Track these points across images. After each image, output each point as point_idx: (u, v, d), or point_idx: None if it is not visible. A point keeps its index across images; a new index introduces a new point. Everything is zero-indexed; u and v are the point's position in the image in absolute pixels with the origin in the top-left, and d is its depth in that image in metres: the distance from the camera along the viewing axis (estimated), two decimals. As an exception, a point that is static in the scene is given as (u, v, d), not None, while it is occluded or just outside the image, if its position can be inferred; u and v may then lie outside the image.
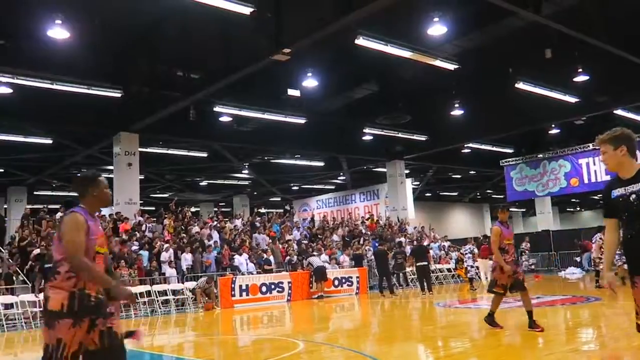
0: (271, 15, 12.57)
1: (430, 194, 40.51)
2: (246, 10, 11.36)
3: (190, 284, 15.97)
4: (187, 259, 16.64)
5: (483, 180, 36.14)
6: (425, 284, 17.18)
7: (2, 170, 24.98)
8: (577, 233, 26.34)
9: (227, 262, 17.51)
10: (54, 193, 30.06)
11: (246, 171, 29.54)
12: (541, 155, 25.57)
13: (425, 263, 17.57)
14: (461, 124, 22.25)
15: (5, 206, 26.33)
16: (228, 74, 14.81)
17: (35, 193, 29.25)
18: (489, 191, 40.76)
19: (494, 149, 27.01)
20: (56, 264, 3.47)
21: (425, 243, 22.30)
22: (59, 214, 17.54)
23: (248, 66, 14.22)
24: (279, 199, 37.82)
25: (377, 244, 21.30)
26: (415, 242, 19.98)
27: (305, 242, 21.27)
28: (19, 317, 12.67)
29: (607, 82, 18.46)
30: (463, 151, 27.82)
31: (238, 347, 9.48)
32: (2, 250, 14.41)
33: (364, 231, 24.42)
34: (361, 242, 22.12)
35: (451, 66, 15.47)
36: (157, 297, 14.92)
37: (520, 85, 17.39)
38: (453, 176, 35.51)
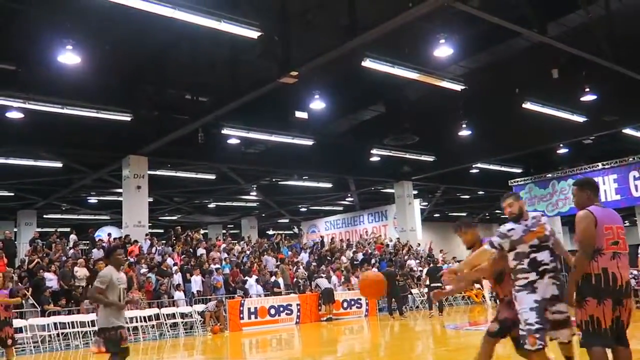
0: (278, 38, 12.69)
1: (438, 215, 40.33)
2: (254, 34, 11.47)
3: (199, 307, 15.90)
4: (196, 281, 16.60)
5: (492, 200, 35.90)
6: (437, 305, 17.10)
7: (12, 194, 25.14)
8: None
9: (235, 284, 17.45)
10: (63, 216, 30.19)
11: (254, 193, 29.57)
12: (550, 175, 25.42)
13: (440, 284, 17.46)
14: (469, 145, 22.22)
15: (15, 229, 26.43)
16: (236, 96, 14.92)
17: (44, 216, 29.38)
18: (497, 211, 40.50)
19: (503, 169, 26.92)
20: None
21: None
22: (72, 236, 17.67)
23: (256, 89, 14.32)
24: (287, 220, 37.77)
25: (386, 266, 21.22)
26: (431, 264, 19.89)
27: (314, 264, 21.16)
28: (27, 341, 12.63)
29: (615, 102, 18.42)
30: (471, 171, 27.75)
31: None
32: (12, 274, 14.42)
33: (372, 252, 24.31)
34: (371, 263, 22.00)
35: (458, 87, 15.51)
36: (165, 320, 14.85)
37: (528, 105, 17.37)
38: (461, 197, 35.38)
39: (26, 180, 22.57)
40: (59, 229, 18.15)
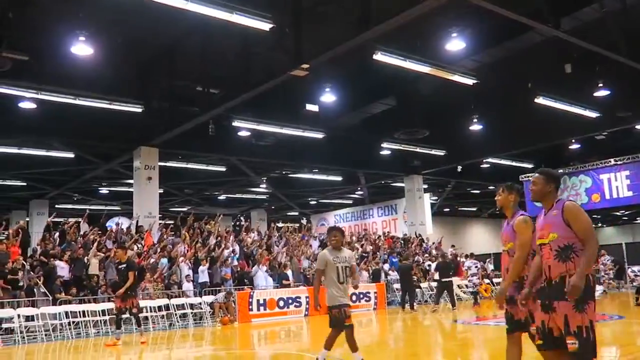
0: (290, 31, 12.70)
1: (448, 209, 40.25)
2: (265, 26, 11.47)
3: (208, 298, 16.00)
4: (204, 272, 16.68)
5: (502, 195, 35.76)
6: (448, 298, 17.27)
7: (24, 184, 25.37)
8: (598, 250, 25.87)
9: (245, 269, 17.56)
10: (75, 206, 30.43)
11: (264, 185, 29.65)
12: (561, 171, 25.27)
13: (450, 279, 17.53)
14: (480, 139, 22.14)
15: (28, 219, 26.69)
16: (247, 89, 14.94)
17: (56, 206, 29.63)
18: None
19: (514, 164, 26.79)
20: None
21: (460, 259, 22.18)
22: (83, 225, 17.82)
23: (267, 81, 14.33)
24: (296, 213, 37.85)
25: (394, 259, 21.25)
26: (441, 258, 19.93)
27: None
28: (39, 329, 12.78)
29: (629, 97, 18.28)
30: (482, 166, 27.64)
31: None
32: (25, 263, 14.58)
33: (381, 246, 24.32)
34: (379, 257, 22.02)
35: (470, 81, 15.44)
36: (175, 310, 14.96)
37: (540, 100, 17.26)
38: (472, 191, 35.26)
39: (38, 170, 22.77)
40: (70, 219, 18.28)
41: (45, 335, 12.71)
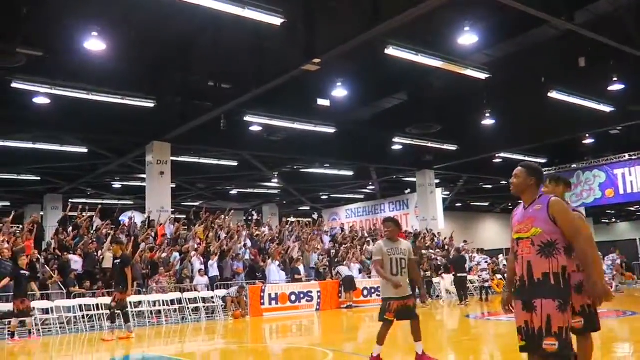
0: (302, 26, 12.68)
1: (460, 204, 40.08)
2: (277, 21, 11.46)
3: (220, 292, 16.09)
4: (215, 266, 16.77)
5: (515, 190, 35.55)
6: (462, 294, 17.25)
7: (38, 178, 25.63)
8: (612, 245, 25.72)
9: (258, 261, 17.62)
10: (88, 201, 30.67)
11: (276, 180, 29.70)
12: (575, 166, 25.08)
13: (465, 274, 17.53)
14: (492, 134, 22.01)
15: (42, 213, 26.95)
16: (259, 84, 14.96)
17: (70, 201, 29.88)
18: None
19: (526, 159, 26.54)
20: None
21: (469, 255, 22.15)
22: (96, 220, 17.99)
23: (278, 76, 14.34)
24: (308, 208, 37.88)
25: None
26: (455, 252, 19.93)
27: (334, 251, 21.21)
28: (54, 322, 12.94)
29: (644, 91, 18.06)
30: (494, 161, 27.48)
31: (268, 356, 9.51)
32: (39, 257, 14.75)
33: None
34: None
35: (482, 75, 15.33)
36: (187, 304, 15.07)
37: (554, 95, 17.11)
38: (484, 186, 35.09)
39: (52, 165, 22.98)
40: (84, 213, 18.47)
41: (60, 328, 12.87)
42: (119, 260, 11.66)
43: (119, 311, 11.56)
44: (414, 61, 14.03)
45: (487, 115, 20.11)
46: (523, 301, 3.82)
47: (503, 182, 33.18)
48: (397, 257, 6.45)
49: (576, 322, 4.24)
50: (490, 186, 35.16)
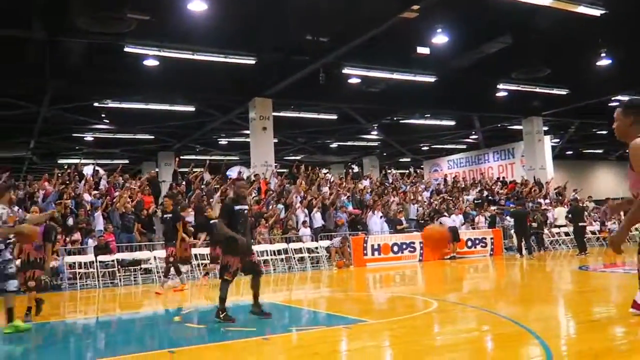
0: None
1: (571, 152, 37.93)
2: (374, -32, 11.21)
3: (324, 243, 16.53)
4: (318, 218, 17.19)
5: (633, 135, 33.02)
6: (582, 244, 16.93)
7: (152, 137, 27.29)
8: None
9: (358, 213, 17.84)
10: (197, 157, 32.26)
11: (375, 132, 29.59)
12: None
13: (585, 224, 16.94)
14: (608, 75, 20.44)
15: (157, 170, 28.77)
16: (356, 35, 14.79)
17: (181, 157, 31.57)
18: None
19: (647, 100, 24.51)
20: None
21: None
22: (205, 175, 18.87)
23: (376, 26, 14.09)
24: (408, 159, 37.52)
25: (511, 204, 20.57)
26: (574, 202, 19.10)
27: (436, 202, 20.97)
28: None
29: None
30: (610, 104, 25.57)
31: (373, 304, 9.73)
32: (157, 210, 15.79)
33: (499, 191, 23.62)
34: (496, 203, 21.46)
35: (597, 12, 14.16)
36: (293, 254, 15.65)
37: (680, 28, 15.52)
38: (598, 132, 32.88)
39: (164, 124, 24.35)
40: (194, 169, 19.49)
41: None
42: (169, 215, 11.74)
43: (169, 264, 11.53)
44: (520, 0, 13.20)
45: (603, 55, 18.66)
46: None
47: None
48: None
49: None
50: (605, 132, 32.88)
